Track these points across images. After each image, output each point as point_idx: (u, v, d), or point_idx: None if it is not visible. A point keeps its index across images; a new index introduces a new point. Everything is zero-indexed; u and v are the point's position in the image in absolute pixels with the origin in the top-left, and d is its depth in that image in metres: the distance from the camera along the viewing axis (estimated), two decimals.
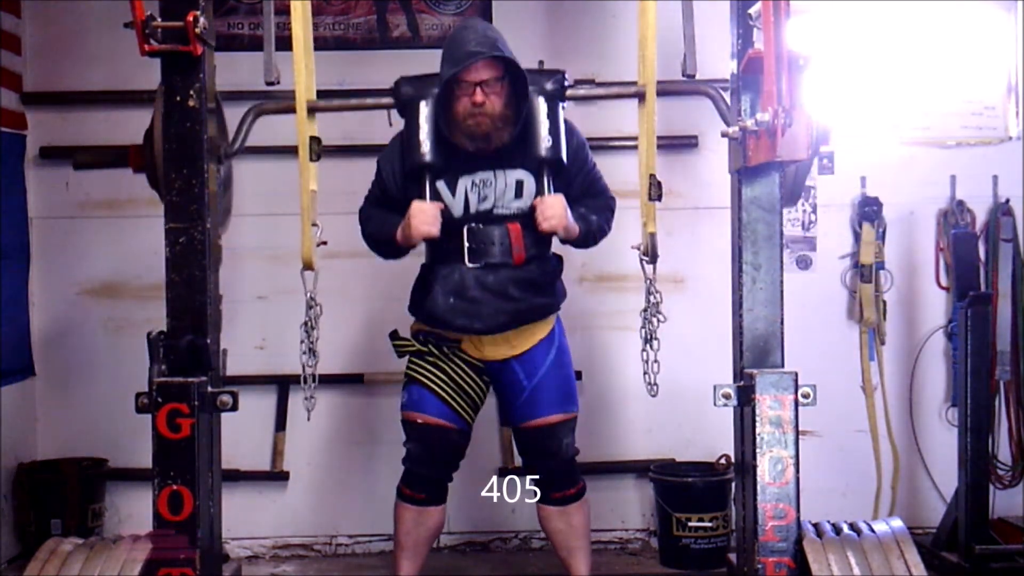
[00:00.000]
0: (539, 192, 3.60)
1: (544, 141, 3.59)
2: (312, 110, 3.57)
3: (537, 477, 3.80)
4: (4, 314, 4.76)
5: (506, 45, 3.55)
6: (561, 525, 3.81)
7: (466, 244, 3.60)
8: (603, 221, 3.75)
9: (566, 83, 3.69)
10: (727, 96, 3.56)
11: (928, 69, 4.99)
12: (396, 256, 3.75)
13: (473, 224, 3.61)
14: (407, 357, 3.77)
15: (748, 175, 3.41)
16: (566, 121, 3.71)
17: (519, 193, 3.61)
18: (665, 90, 3.62)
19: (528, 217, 3.60)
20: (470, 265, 3.61)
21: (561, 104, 3.68)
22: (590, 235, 3.72)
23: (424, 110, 3.62)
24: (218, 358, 3.43)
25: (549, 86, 3.66)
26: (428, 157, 3.59)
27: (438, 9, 5.02)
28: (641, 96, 3.56)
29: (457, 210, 3.61)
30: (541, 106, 3.62)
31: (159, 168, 3.37)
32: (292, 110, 3.54)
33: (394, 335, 3.80)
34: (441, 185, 3.61)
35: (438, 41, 5.00)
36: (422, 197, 3.58)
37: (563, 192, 3.64)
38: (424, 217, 3.52)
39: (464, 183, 3.61)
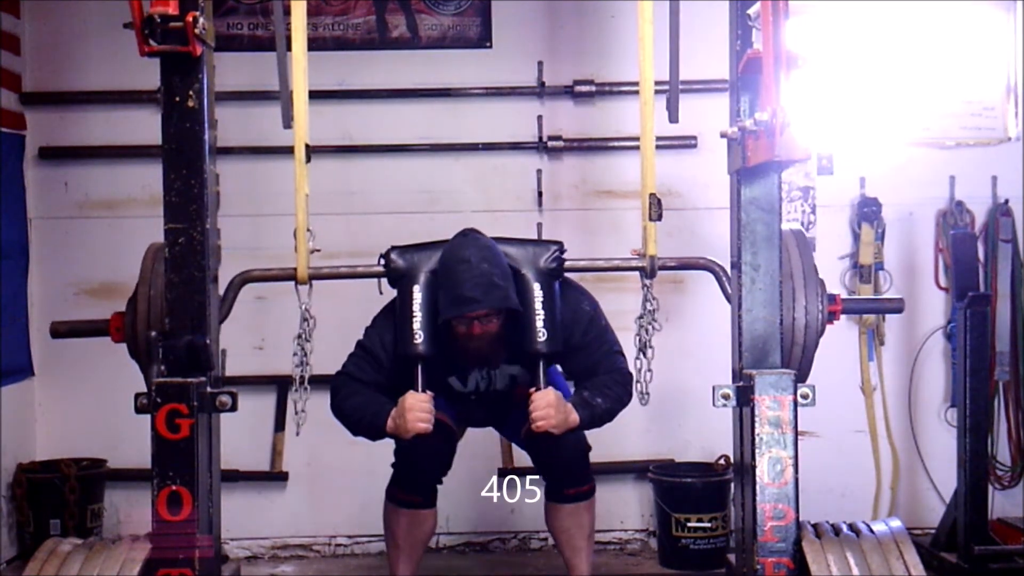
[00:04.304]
0: (533, 384, 3.62)
1: (539, 335, 3.61)
2: (309, 279, 3.60)
3: (550, 475, 3.80)
4: (4, 314, 4.76)
5: (502, 271, 3.58)
6: (570, 524, 3.80)
7: (474, 399, 3.81)
8: (612, 401, 3.65)
9: (563, 255, 3.71)
10: (728, 269, 3.57)
11: (928, 70, 4.99)
12: (372, 438, 3.72)
13: (480, 395, 3.80)
14: None
15: (747, 176, 3.41)
16: (574, 290, 3.78)
17: (513, 384, 3.76)
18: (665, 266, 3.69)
19: (529, 386, 3.70)
20: (478, 408, 3.84)
21: (557, 281, 3.70)
22: (595, 420, 3.65)
23: (417, 296, 3.64)
24: (217, 358, 3.43)
25: (545, 264, 3.68)
26: (422, 348, 3.60)
27: (437, 9, 5.02)
28: (646, 270, 3.64)
29: (466, 390, 3.79)
30: (536, 293, 3.64)
31: (139, 337, 3.42)
32: (278, 278, 3.65)
33: None
34: (453, 380, 3.75)
35: (437, 42, 5.03)
36: (414, 386, 3.59)
37: (569, 370, 3.72)
38: (420, 415, 3.53)
39: (475, 376, 3.76)
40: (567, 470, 3.76)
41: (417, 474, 3.74)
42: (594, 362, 3.70)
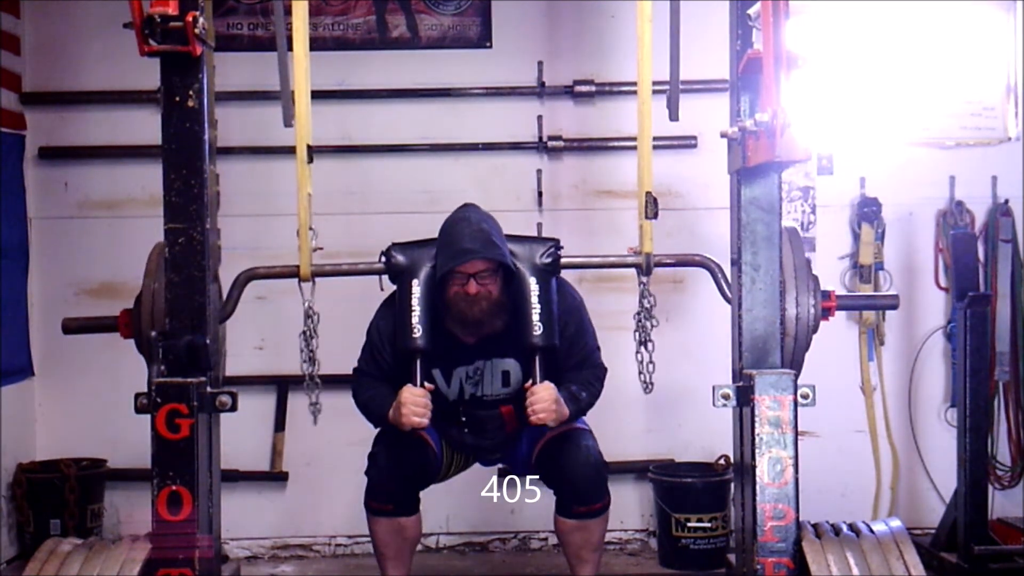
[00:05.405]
0: (530, 378, 3.62)
1: (536, 328, 3.62)
2: (312, 275, 3.62)
3: (561, 495, 3.75)
4: (4, 314, 4.76)
5: (499, 234, 3.64)
6: (578, 538, 3.77)
7: (463, 419, 3.78)
8: (592, 396, 3.74)
9: (560, 252, 3.72)
10: (727, 268, 3.57)
11: (928, 70, 4.99)
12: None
13: (467, 407, 3.76)
14: None
15: (747, 176, 3.41)
16: (565, 286, 3.78)
17: (506, 383, 3.74)
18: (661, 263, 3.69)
19: (518, 396, 3.68)
20: (467, 432, 3.81)
21: (554, 277, 3.71)
22: (579, 413, 3.73)
23: (416, 290, 3.65)
24: (218, 358, 3.43)
25: (541, 260, 3.69)
26: (420, 342, 3.61)
27: (437, 9, 5.02)
28: (641, 267, 3.64)
29: (451, 396, 3.75)
30: (532, 288, 3.65)
31: (144, 333, 3.42)
32: (282, 275, 3.64)
33: None
34: (436, 373, 3.71)
35: (437, 42, 5.03)
36: (412, 380, 3.60)
37: (555, 365, 3.68)
38: (414, 409, 3.55)
39: (459, 374, 3.73)
40: (580, 492, 3.72)
41: (382, 483, 3.70)
42: (582, 358, 3.75)
